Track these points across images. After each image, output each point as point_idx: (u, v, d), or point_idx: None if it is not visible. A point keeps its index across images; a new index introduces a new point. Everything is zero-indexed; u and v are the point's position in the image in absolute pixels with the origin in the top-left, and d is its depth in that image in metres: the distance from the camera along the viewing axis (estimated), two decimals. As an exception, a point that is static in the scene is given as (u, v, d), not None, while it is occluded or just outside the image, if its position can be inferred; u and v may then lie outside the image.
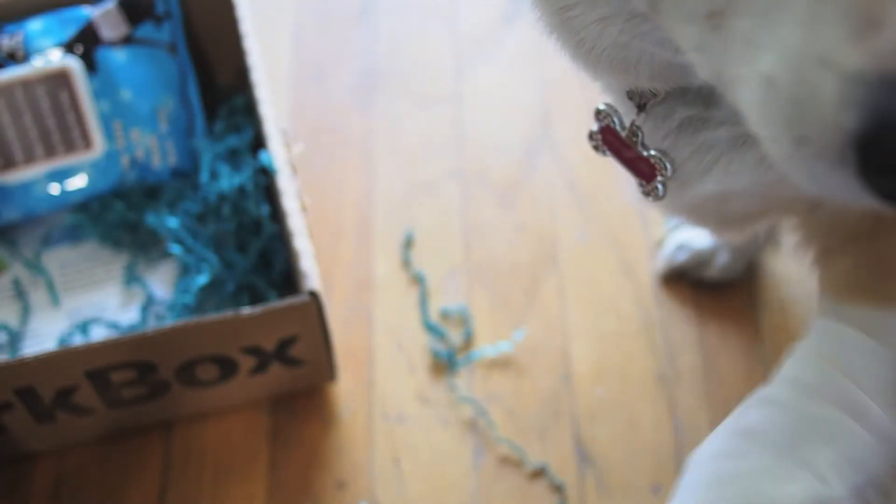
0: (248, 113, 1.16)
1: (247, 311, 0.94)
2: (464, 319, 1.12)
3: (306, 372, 1.04)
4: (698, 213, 0.76)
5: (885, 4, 0.42)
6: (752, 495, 0.61)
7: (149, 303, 1.10)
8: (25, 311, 1.10)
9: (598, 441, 1.04)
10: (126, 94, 1.12)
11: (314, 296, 0.95)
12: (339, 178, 1.24)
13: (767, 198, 0.70)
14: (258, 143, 1.12)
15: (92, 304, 1.11)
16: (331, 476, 1.03)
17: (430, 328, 1.11)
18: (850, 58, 0.42)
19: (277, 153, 1.05)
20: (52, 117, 1.10)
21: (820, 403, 0.63)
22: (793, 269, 1.13)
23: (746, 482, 0.62)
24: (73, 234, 1.15)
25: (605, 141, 0.74)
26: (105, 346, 0.93)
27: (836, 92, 0.43)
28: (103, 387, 0.97)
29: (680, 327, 1.10)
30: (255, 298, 1.08)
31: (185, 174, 1.15)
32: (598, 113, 0.74)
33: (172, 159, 1.14)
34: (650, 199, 0.73)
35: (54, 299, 1.11)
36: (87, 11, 1.12)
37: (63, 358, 0.93)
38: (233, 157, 1.12)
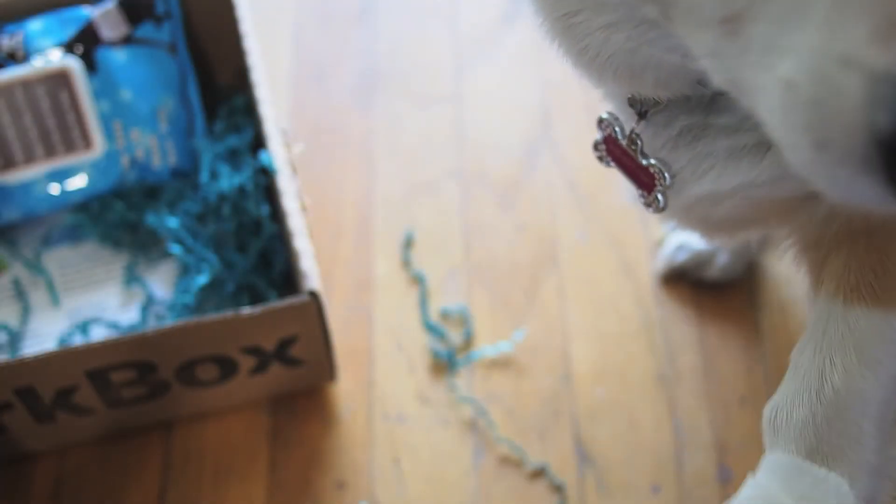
0: (248, 113, 1.16)
1: (247, 311, 0.94)
2: (464, 319, 1.12)
3: (306, 372, 1.04)
4: (688, 217, 0.76)
5: None
6: None
7: (149, 303, 1.10)
8: (25, 311, 1.10)
9: (598, 441, 1.04)
10: (126, 94, 1.12)
11: (314, 296, 0.95)
12: (339, 178, 1.24)
13: (757, 202, 0.70)
14: (258, 143, 1.12)
15: (92, 304, 1.11)
16: (331, 476, 1.03)
17: (430, 328, 1.11)
18: (876, 57, 0.41)
19: (277, 153, 1.05)
20: (52, 117, 1.10)
21: None
22: (793, 269, 1.13)
23: None
24: (73, 234, 1.15)
25: (608, 150, 0.74)
26: (105, 346, 0.93)
27: (861, 92, 0.42)
28: (103, 387, 0.97)
29: (680, 327, 1.10)
30: (255, 298, 1.08)
31: (185, 174, 1.15)
32: (600, 122, 0.73)
33: (172, 159, 1.15)
34: (651, 210, 0.72)
35: (54, 299, 1.11)
36: (87, 11, 1.12)
37: (63, 358, 0.93)
38: (233, 157, 1.12)
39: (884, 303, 0.64)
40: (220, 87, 1.20)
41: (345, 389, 1.08)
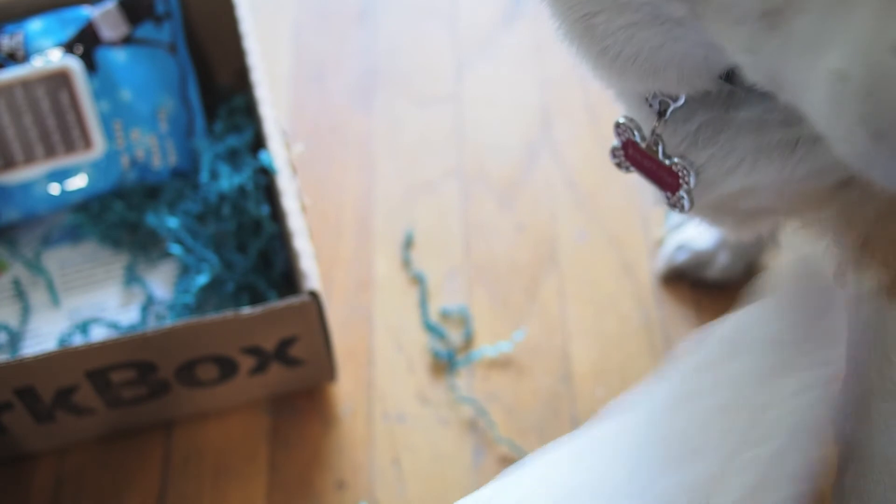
0: (248, 113, 1.16)
1: (247, 311, 0.94)
2: (464, 319, 1.12)
3: (306, 372, 1.04)
4: (718, 212, 0.75)
5: None
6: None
7: (149, 303, 1.10)
8: (25, 311, 1.10)
9: (598, 441, 1.04)
10: (126, 94, 1.12)
11: (314, 296, 0.95)
12: (339, 178, 1.24)
13: (790, 194, 0.69)
14: (258, 143, 1.12)
15: (92, 304, 1.11)
16: (331, 476, 1.03)
17: (430, 328, 1.11)
18: None
19: (277, 153, 1.05)
20: (52, 117, 1.10)
21: None
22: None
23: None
24: (73, 234, 1.15)
25: (627, 156, 0.73)
26: (105, 346, 0.93)
27: None
28: (103, 387, 0.97)
29: (680, 327, 1.10)
30: (255, 298, 1.08)
31: (185, 174, 1.15)
32: (617, 127, 0.72)
33: (172, 159, 1.15)
34: (677, 210, 0.72)
35: (54, 299, 1.11)
36: (87, 11, 1.12)
37: (63, 358, 0.93)
38: (233, 157, 1.12)
39: None
40: (220, 87, 1.20)
41: (345, 389, 1.08)
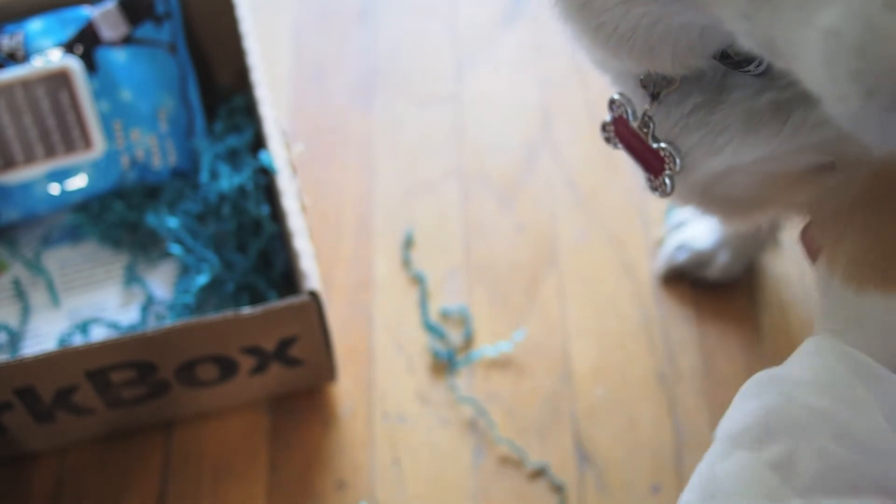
0: (248, 113, 1.16)
1: (247, 311, 0.94)
2: (464, 319, 1.12)
3: (306, 372, 1.04)
4: (704, 199, 0.75)
5: None
6: None
7: (149, 303, 1.10)
8: (25, 311, 1.10)
9: (597, 441, 1.04)
10: (126, 94, 1.12)
11: (314, 296, 0.95)
12: (339, 178, 1.24)
13: (772, 178, 0.69)
14: (258, 143, 1.12)
15: (92, 304, 1.11)
16: (331, 476, 1.03)
17: (430, 328, 1.11)
18: None
19: (277, 153, 1.05)
20: (52, 117, 1.10)
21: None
22: (793, 269, 1.13)
23: None
24: (73, 234, 1.15)
25: (617, 132, 0.74)
26: (105, 346, 0.93)
27: None
28: (103, 387, 0.97)
29: (680, 327, 1.10)
30: (255, 298, 1.08)
31: (185, 174, 1.15)
32: (612, 103, 0.73)
33: (172, 159, 1.15)
34: (658, 193, 0.72)
35: (54, 299, 1.11)
36: (87, 11, 1.12)
37: (63, 358, 0.93)
38: (233, 157, 1.12)
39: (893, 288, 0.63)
40: (220, 87, 1.20)
41: (345, 389, 1.08)
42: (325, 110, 1.29)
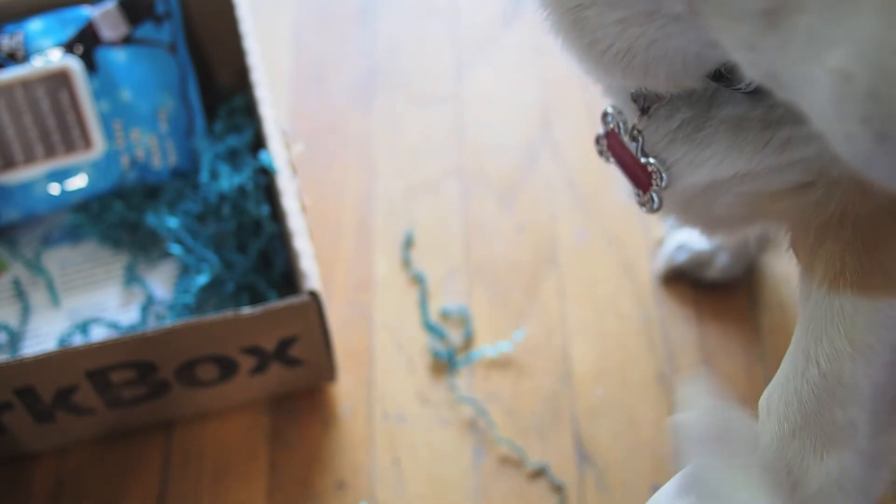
0: (248, 113, 1.16)
1: (247, 311, 0.94)
2: (464, 319, 1.12)
3: (306, 372, 1.04)
4: (687, 212, 0.75)
5: None
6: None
7: (149, 303, 1.10)
8: (25, 311, 1.10)
9: (598, 441, 1.04)
10: (126, 94, 1.12)
11: (314, 296, 0.95)
12: (339, 178, 1.24)
13: (752, 195, 0.69)
14: (258, 143, 1.12)
15: (92, 304, 1.11)
16: (331, 476, 1.03)
17: (430, 328, 1.11)
18: None
19: (277, 153, 1.05)
20: (52, 117, 1.10)
21: None
22: (793, 269, 1.13)
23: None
24: (73, 234, 1.15)
25: (609, 146, 0.74)
26: (105, 346, 0.93)
27: None
28: (103, 387, 0.97)
29: (680, 327, 1.10)
30: (255, 298, 1.08)
31: (185, 174, 1.15)
32: (604, 116, 0.73)
33: (172, 159, 1.15)
34: (645, 209, 0.72)
35: (54, 299, 1.11)
36: (87, 11, 1.12)
37: (63, 358, 0.93)
38: (233, 157, 1.12)
39: (868, 289, 0.63)
40: (220, 87, 1.20)
41: (345, 389, 1.08)
42: (325, 110, 1.29)
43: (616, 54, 0.59)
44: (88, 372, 0.95)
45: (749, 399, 1.06)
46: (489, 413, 1.06)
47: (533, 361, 1.09)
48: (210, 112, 1.17)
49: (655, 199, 0.71)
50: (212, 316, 0.95)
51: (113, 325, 1.08)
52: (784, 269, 1.13)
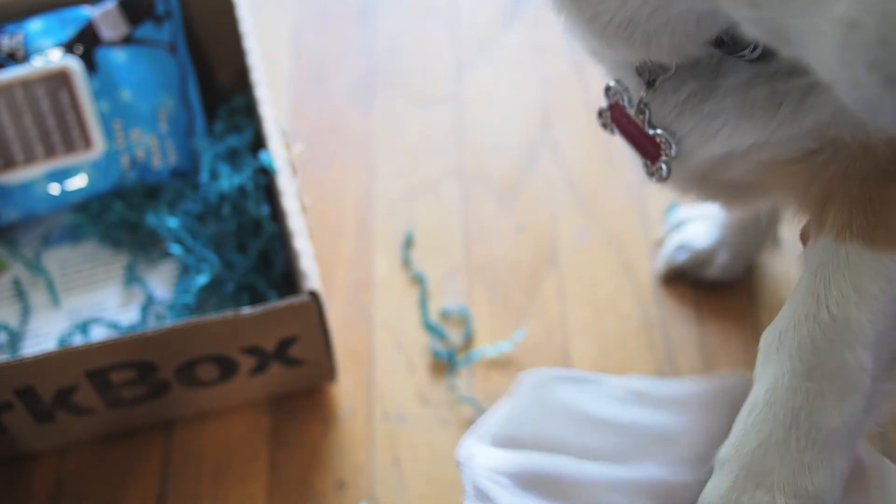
0: (248, 113, 1.16)
1: (247, 311, 0.94)
2: (464, 319, 1.12)
3: (306, 372, 1.04)
4: (704, 185, 0.76)
5: None
6: None
7: (149, 303, 1.10)
8: (25, 311, 1.10)
9: (598, 441, 1.04)
10: (126, 94, 1.12)
11: (314, 296, 0.95)
12: (339, 178, 1.24)
13: (766, 165, 0.70)
14: (258, 143, 1.12)
15: (92, 304, 1.11)
16: (331, 476, 1.03)
17: (430, 328, 1.11)
18: None
19: (277, 153, 1.05)
20: (52, 117, 1.10)
21: None
22: (793, 268, 1.13)
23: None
24: (73, 234, 1.15)
25: (613, 119, 0.74)
26: (105, 346, 0.93)
27: None
28: (103, 387, 0.97)
29: (680, 327, 1.10)
30: (255, 298, 1.08)
31: (185, 174, 1.15)
32: (607, 90, 0.73)
33: (172, 159, 1.15)
34: (654, 179, 0.72)
35: (54, 299, 1.11)
36: (87, 11, 1.12)
37: (63, 358, 0.93)
38: (233, 157, 1.12)
39: (873, 242, 0.64)
40: (220, 87, 1.20)
41: (345, 389, 1.08)
42: (325, 110, 1.29)
43: (618, 26, 0.60)
44: (88, 372, 0.95)
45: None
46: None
47: (533, 361, 1.09)
48: (210, 112, 1.17)
49: (664, 168, 0.71)
50: (212, 316, 0.95)
51: (113, 325, 1.08)
52: (784, 269, 1.13)
